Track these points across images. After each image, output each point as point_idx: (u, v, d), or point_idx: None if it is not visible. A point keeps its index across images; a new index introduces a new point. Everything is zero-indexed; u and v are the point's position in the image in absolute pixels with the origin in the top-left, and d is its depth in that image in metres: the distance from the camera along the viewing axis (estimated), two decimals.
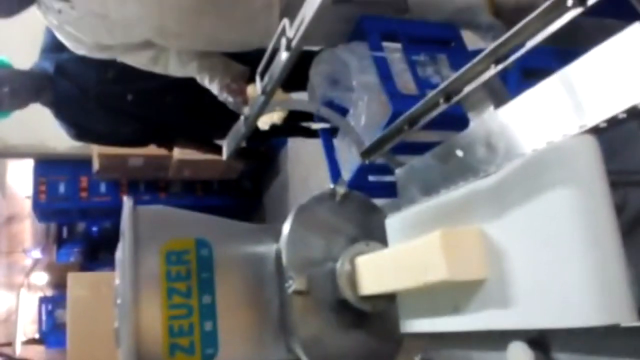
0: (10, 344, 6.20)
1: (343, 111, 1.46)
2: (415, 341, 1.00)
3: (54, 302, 4.67)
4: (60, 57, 1.63)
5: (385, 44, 1.44)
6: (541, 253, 0.65)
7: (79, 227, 5.15)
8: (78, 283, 2.66)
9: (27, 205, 6.24)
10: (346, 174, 1.56)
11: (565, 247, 0.62)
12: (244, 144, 2.56)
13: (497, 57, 0.75)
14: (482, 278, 0.75)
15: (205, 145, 2.30)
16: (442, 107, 0.87)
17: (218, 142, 2.34)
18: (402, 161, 1.11)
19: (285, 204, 4.01)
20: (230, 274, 1.24)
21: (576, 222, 0.61)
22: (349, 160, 1.56)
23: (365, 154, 1.12)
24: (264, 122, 1.47)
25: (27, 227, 7.36)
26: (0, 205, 7.21)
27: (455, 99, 0.84)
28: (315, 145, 3.66)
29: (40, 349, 5.45)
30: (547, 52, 1.25)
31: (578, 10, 0.61)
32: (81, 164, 4.20)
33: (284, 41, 0.71)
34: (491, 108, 0.81)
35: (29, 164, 4.70)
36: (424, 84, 1.35)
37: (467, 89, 0.81)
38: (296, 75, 1.37)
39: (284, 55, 0.73)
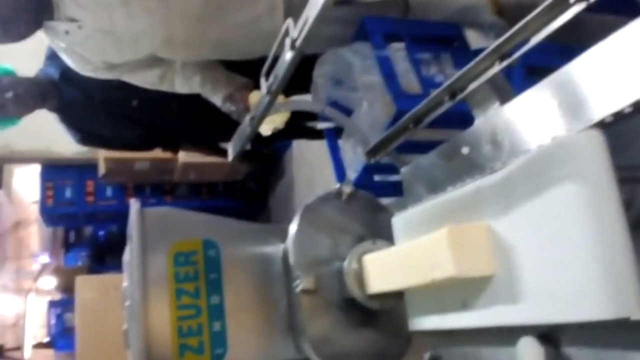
0: (19, 348, 6.23)
1: (347, 112, 1.47)
2: (424, 339, 1.00)
3: (63, 306, 4.69)
4: (65, 63, 1.64)
5: (388, 44, 1.44)
6: (549, 248, 0.65)
7: (86, 231, 5.17)
8: (86, 286, 2.68)
9: (34, 211, 6.27)
10: (351, 174, 1.57)
11: (573, 242, 0.62)
12: (248, 147, 2.57)
13: (501, 54, 0.75)
14: (490, 274, 0.75)
15: (210, 149, 2.31)
16: (447, 104, 0.87)
17: (223, 145, 2.36)
18: (408, 160, 1.12)
19: (290, 205, 4.02)
20: (238, 274, 1.24)
21: (584, 217, 0.61)
22: (355, 160, 1.56)
23: (371, 153, 1.12)
24: (267, 129, 1.48)
25: (34, 233, 7.40)
26: (8, 211, 7.25)
27: (460, 96, 0.84)
28: (320, 146, 3.66)
29: (49, 353, 5.48)
30: (551, 49, 1.25)
31: (581, 6, 0.61)
32: (87, 168, 4.22)
33: (288, 41, 0.71)
34: (496, 105, 0.81)
35: (35, 170, 4.73)
36: (427, 83, 1.36)
37: (472, 86, 0.81)
38: (298, 79, 1.38)
39: (288, 55, 0.73)
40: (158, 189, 4.38)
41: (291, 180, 4.16)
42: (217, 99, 1.65)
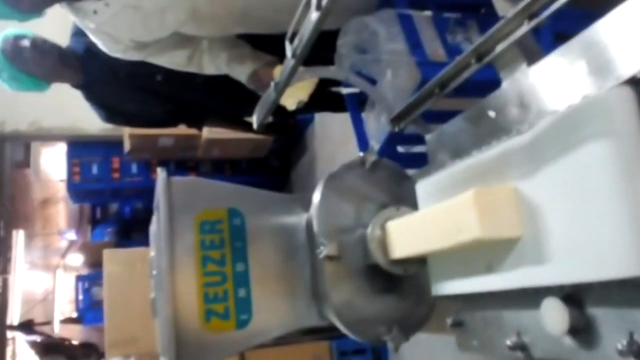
0: (49, 322, 6.41)
1: (371, 82, 1.46)
2: (446, 304, 1.00)
3: (90, 280, 4.80)
4: (90, 39, 1.65)
5: (414, 11, 1.43)
6: (577, 207, 0.65)
7: (112, 207, 5.27)
8: (113, 259, 2.73)
9: (61, 189, 6.41)
10: (375, 145, 1.56)
11: (601, 199, 0.61)
12: (271, 119, 2.57)
13: (530, 12, 0.74)
14: (516, 236, 0.74)
15: (235, 124, 2.32)
16: (474, 67, 0.86)
17: (247, 119, 2.36)
18: (433, 129, 1.11)
19: (313, 182, 4.02)
20: (263, 242, 1.26)
21: (613, 174, 0.60)
22: (378, 131, 1.55)
23: (395, 120, 1.11)
24: (292, 103, 1.47)
25: (61, 210, 7.56)
26: (36, 189, 7.41)
27: (488, 58, 0.83)
28: (341, 123, 3.67)
29: (77, 327, 5.63)
30: (579, 16, 1.22)
31: None
32: (113, 145, 4.29)
33: (314, 1, 0.71)
34: (524, 66, 0.80)
35: (62, 149, 4.81)
36: (453, 51, 1.34)
37: (500, 47, 0.80)
38: (321, 56, 1.37)
39: (313, 16, 0.73)
40: (182, 165, 4.43)
41: (313, 157, 4.17)
42: (243, 76, 1.65)
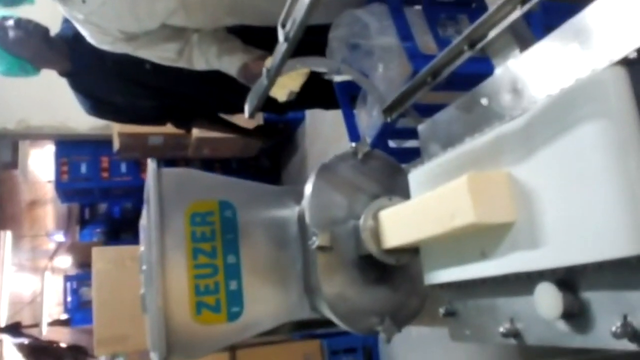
0: (37, 325, 6.33)
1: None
2: (439, 294, 1.00)
3: (79, 280, 4.76)
4: None
5: (405, 5, 1.43)
6: (571, 189, 0.65)
7: (101, 207, 5.22)
8: (102, 257, 2.70)
9: (49, 190, 6.34)
10: (366, 140, 1.56)
11: (596, 180, 0.61)
12: (261, 122, 2.54)
13: None
14: (510, 220, 0.74)
15: (223, 125, 2.30)
16: (467, 54, 0.86)
17: (236, 122, 2.35)
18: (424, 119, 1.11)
19: (303, 181, 4.02)
20: (254, 234, 1.25)
21: (607, 154, 0.60)
22: (369, 126, 1.55)
23: (387, 111, 1.11)
24: (282, 94, 1.47)
25: (50, 212, 7.48)
26: (24, 190, 7.33)
27: (480, 45, 0.83)
28: (333, 122, 3.66)
29: (65, 330, 5.57)
30: (568, 10, 1.23)
31: None
32: (102, 144, 4.25)
33: None
34: (516, 52, 0.80)
35: (50, 150, 4.77)
36: (444, 44, 1.33)
37: (493, 33, 0.80)
38: (313, 50, 1.37)
39: None
40: (172, 164, 4.39)
41: (304, 157, 4.16)
42: (233, 69, 1.64)
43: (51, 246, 7.16)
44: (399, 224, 0.98)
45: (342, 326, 1.12)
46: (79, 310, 4.67)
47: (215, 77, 1.73)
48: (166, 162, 4.33)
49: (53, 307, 6.78)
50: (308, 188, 1.16)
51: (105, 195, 4.65)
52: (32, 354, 5.16)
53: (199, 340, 1.18)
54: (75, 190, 4.47)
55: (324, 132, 3.66)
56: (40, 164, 6.69)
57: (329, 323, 1.34)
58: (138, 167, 4.38)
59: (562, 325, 0.72)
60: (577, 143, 0.64)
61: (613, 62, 0.62)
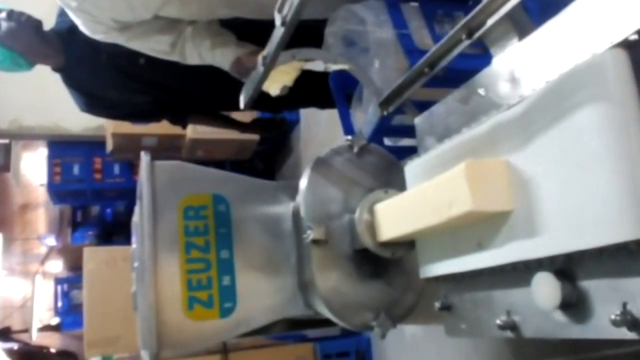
0: (27, 330, 6.27)
1: None
2: (434, 287, 0.99)
3: (70, 283, 4.72)
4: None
5: (402, 2, 1.42)
6: (570, 175, 0.64)
7: (93, 210, 5.19)
8: (94, 257, 2.67)
9: (41, 193, 6.30)
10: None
11: (596, 164, 0.60)
12: (258, 115, 2.51)
13: None
14: (508, 209, 0.73)
15: (220, 120, 2.28)
16: (465, 43, 0.85)
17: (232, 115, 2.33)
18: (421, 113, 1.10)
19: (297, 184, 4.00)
20: (248, 229, 1.24)
21: (607, 137, 0.59)
22: (365, 122, 1.54)
23: (384, 103, 1.10)
24: (276, 87, 1.45)
25: (41, 215, 7.42)
26: (15, 193, 7.28)
27: (478, 33, 0.83)
28: (327, 125, 3.65)
29: (56, 335, 5.51)
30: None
31: None
32: (95, 145, 4.22)
33: None
34: (515, 41, 0.79)
35: (42, 153, 4.73)
36: (441, 40, 1.33)
37: (491, 21, 0.79)
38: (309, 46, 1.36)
39: None
40: None
41: (298, 159, 4.15)
42: (226, 63, 1.63)
43: (42, 250, 7.11)
44: (394, 216, 0.97)
45: (336, 321, 1.11)
46: (69, 313, 4.62)
47: (210, 73, 1.72)
48: None
49: (44, 312, 6.71)
50: (303, 182, 1.15)
51: (98, 197, 4.62)
52: (21, 359, 5.10)
53: (191, 336, 1.16)
54: (67, 192, 4.44)
55: (319, 135, 3.65)
56: (33, 167, 6.65)
57: (322, 322, 1.32)
58: (131, 169, 4.35)
59: (560, 316, 0.71)
60: (577, 127, 0.63)
61: (613, 44, 0.61)
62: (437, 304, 0.96)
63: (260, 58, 0.94)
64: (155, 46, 1.64)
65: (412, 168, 0.99)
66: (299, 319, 1.40)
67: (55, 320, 5.17)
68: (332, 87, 1.71)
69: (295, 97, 1.64)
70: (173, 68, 1.73)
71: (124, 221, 4.54)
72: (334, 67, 1.14)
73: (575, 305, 0.69)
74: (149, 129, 3.62)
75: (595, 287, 0.67)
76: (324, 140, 3.52)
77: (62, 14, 1.82)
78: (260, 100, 1.26)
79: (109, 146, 3.94)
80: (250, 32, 1.67)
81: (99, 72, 1.86)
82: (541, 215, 0.69)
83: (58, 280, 4.94)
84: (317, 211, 1.10)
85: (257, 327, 1.22)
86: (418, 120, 1.06)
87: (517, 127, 0.73)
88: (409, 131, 1.14)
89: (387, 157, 1.16)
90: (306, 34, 1.32)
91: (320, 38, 1.48)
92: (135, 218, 1.29)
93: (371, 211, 1.05)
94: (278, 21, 0.80)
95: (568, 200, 0.65)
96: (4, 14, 1.70)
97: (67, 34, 1.80)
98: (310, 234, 1.07)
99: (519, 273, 0.77)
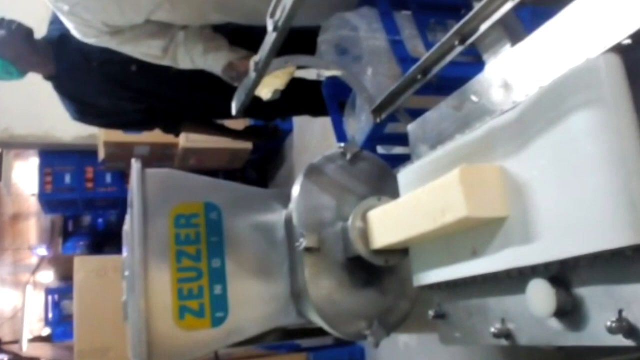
0: (17, 341, 6.20)
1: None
2: (428, 296, 0.98)
3: (60, 293, 4.68)
4: (66, 27, 1.61)
5: (395, 10, 1.42)
6: (566, 180, 0.63)
7: (85, 220, 5.15)
8: (85, 267, 2.65)
9: (32, 203, 6.25)
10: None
11: (591, 170, 0.60)
12: (251, 123, 2.50)
13: None
14: (503, 215, 0.73)
15: (212, 127, 2.27)
16: (458, 49, 0.85)
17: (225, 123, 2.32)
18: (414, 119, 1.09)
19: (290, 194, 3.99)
20: (240, 238, 1.23)
21: (602, 142, 0.59)
22: (358, 131, 1.54)
23: (377, 111, 1.10)
24: (267, 92, 1.44)
25: (33, 226, 7.37)
26: (6, 203, 7.23)
27: (471, 39, 0.82)
28: (320, 135, 3.65)
29: (46, 346, 5.45)
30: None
31: None
32: (87, 154, 4.20)
33: None
34: (508, 47, 0.79)
35: (34, 163, 4.70)
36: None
37: (484, 27, 0.79)
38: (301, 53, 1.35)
39: None
40: None
41: (291, 169, 4.14)
42: (218, 67, 1.62)
43: (34, 260, 7.05)
44: (388, 223, 0.96)
45: (329, 330, 1.09)
46: (60, 324, 4.57)
47: (202, 81, 1.71)
48: None
49: (34, 323, 6.64)
50: (296, 189, 1.14)
51: (90, 207, 4.59)
52: None
53: (182, 346, 1.15)
54: (59, 201, 4.41)
55: (312, 144, 3.64)
56: (24, 177, 6.60)
57: (316, 331, 1.31)
58: (123, 178, 4.33)
59: (555, 324, 0.70)
60: (571, 133, 0.63)
61: (606, 49, 0.61)
62: (431, 312, 0.95)
63: (252, 64, 0.94)
64: (147, 51, 1.64)
65: (405, 175, 0.98)
66: (292, 328, 1.39)
67: (46, 331, 5.11)
68: (325, 95, 1.71)
69: (288, 105, 1.64)
70: (165, 75, 1.73)
71: (115, 231, 4.50)
72: (327, 73, 1.14)
73: (570, 312, 0.68)
74: (141, 137, 3.61)
75: (590, 294, 0.66)
76: (318, 150, 3.51)
77: (53, 22, 1.81)
78: (253, 108, 1.25)
79: (101, 155, 3.92)
80: (243, 37, 1.67)
81: (90, 79, 1.85)
82: (537, 221, 0.68)
83: (49, 291, 4.90)
84: (309, 219, 1.09)
85: (250, 336, 1.21)
86: (411, 127, 1.06)
87: (512, 133, 0.73)
88: (402, 139, 1.14)
89: (380, 164, 1.16)
90: (299, 41, 1.32)
91: (314, 46, 1.47)
92: (126, 226, 1.27)
93: (364, 219, 1.04)
94: (270, 27, 0.79)
95: (563, 205, 0.64)
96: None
97: (58, 42, 1.79)
98: (303, 242, 1.06)
99: (513, 280, 0.76)
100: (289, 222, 1.21)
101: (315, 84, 1.71)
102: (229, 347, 1.26)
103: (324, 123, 2.20)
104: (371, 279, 1.08)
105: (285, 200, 1.23)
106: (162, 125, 2.14)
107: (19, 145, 4.46)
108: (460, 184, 0.73)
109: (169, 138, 2.80)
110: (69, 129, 3.98)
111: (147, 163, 1.25)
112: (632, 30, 0.58)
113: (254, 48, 1.00)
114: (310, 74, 1.74)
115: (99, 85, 1.86)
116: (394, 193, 1.02)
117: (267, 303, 1.21)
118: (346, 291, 1.07)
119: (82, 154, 4.29)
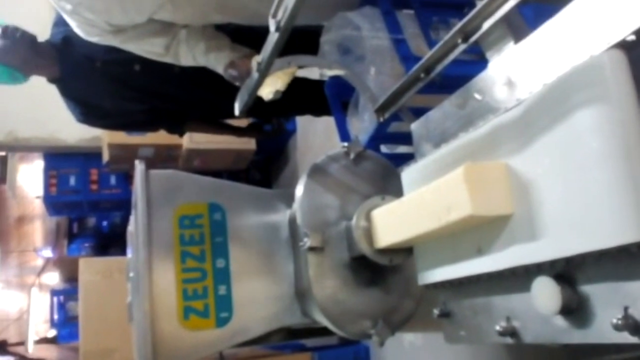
0: (22, 343, 6.21)
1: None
2: (432, 294, 0.98)
3: (66, 295, 4.69)
4: (69, 28, 1.62)
5: (397, 9, 1.42)
6: (571, 177, 0.63)
7: (89, 222, 5.17)
8: (90, 268, 2.65)
9: (37, 206, 6.27)
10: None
11: (596, 166, 0.60)
12: (253, 120, 2.51)
13: None
14: (508, 213, 0.72)
15: (215, 125, 2.27)
16: (461, 47, 0.85)
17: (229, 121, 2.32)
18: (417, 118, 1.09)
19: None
20: (244, 238, 1.23)
21: (606, 138, 0.59)
22: (361, 130, 1.54)
23: (380, 110, 1.10)
24: (268, 92, 1.45)
25: (38, 227, 7.39)
26: (11, 205, 7.25)
27: (474, 37, 0.82)
28: (324, 135, 3.65)
29: (52, 347, 5.47)
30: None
31: None
32: (91, 156, 4.22)
33: None
34: (511, 44, 0.79)
35: (39, 165, 4.71)
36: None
37: (487, 24, 0.79)
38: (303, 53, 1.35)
39: None
40: None
41: (295, 169, 4.14)
42: (220, 66, 1.63)
43: (39, 262, 7.07)
44: (392, 222, 0.96)
45: (334, 330, 1.09)
46: (66, 325, 4.59)
47: (205, 80, 1.71)
48: None
49: (40, 325, 6.66)
50: (299, 188, 1.14)
51: (94, 209, 4.60)
52: None
53: (187, 347, 1.15)
54: (63, 203, 4.42)
55: (315, 144, 3.64)
56: (29, 180, 6.63)
57: (320, 331, 1.31)
58: (127, 180, 4.34)
59: (560, 321, 0.70)
60: (576, 129, 0.63)
61: (610, 45, 0.61)
62: (436, 311, 0.95)
63: (254, 64, 0.94)
64: (150, 48, 1.64)
65: (409, 173, 0.98)
66: (297, 328, 1.39)
67: (51, 333, 5.12)
68: (328, 94, 1.71)
69: (291, 104, 1.64)
70: (168, 74, 1.73)
71: (120, 233, 4.52)
72: (329, 72, 1.14)
73: (575, 309, 0.68)
74: (145, 139, 3.62)
75: (596, 291, 0.66)
76: (321, 149, 3.50)
77: (56, 25, 1.82)
78: (255, 107, 1.26)
79: (105, 157, 3.93)
80: (245, 35, 1.67)
81: (94, 80, 1.86)
82: (542, 218, 0.68)
83: (54, 292, 4.91)
84: (313, 218, 1.09)
85: (254, 336, 1.21)
86: (414, 126, 1.05)
87: (516, 131, 0.73)
88: (406, 138, 1.14)
89: (383, 163, 1.16)
90: (301, 41, 1.32)
91: (316, 45, 1.48)
92: (131, 227, 1.27)
93: (368, 218, 1.04)
94: (272, 27, 0.79)
95: (568, 203, 0.64)
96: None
97: (61, 44, 1.80)
98: (307, 242, 1.06)
99: (518, 278, 0.76)
100: (292, 221, 1.21)
101: (317, 84, 1.71)
102: (233, 347, 1.26)
103: (327, 123, 2.20)
104: (375, 278, 1.08)
105: (289, 200, 1.23)
106: (166, 125, 2.14)
107: (24, 148, 4.47)
108: (465, 182, 0.72)
109: (172, 139, 2.80)
110: (73, 132, 3.99)
111: (151, 164, 1.25)
112: (636, 26, 0.58)
113: (256, 46, 1.00)
114: (312, 74, 1.74)
115: (103, 85, 1.87)
116: (397, 192, 1.02)
117: (272, 303, 1.21)
118: (350, 290, 1.07)
119: (86, 156, 4.30)
